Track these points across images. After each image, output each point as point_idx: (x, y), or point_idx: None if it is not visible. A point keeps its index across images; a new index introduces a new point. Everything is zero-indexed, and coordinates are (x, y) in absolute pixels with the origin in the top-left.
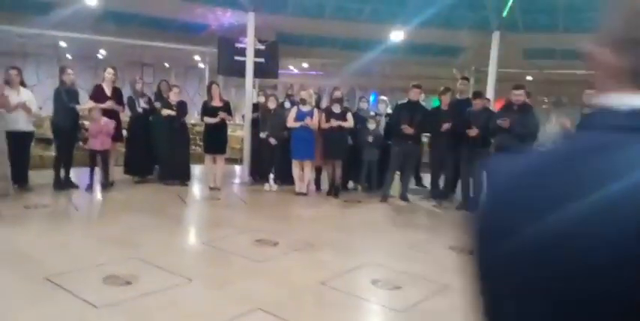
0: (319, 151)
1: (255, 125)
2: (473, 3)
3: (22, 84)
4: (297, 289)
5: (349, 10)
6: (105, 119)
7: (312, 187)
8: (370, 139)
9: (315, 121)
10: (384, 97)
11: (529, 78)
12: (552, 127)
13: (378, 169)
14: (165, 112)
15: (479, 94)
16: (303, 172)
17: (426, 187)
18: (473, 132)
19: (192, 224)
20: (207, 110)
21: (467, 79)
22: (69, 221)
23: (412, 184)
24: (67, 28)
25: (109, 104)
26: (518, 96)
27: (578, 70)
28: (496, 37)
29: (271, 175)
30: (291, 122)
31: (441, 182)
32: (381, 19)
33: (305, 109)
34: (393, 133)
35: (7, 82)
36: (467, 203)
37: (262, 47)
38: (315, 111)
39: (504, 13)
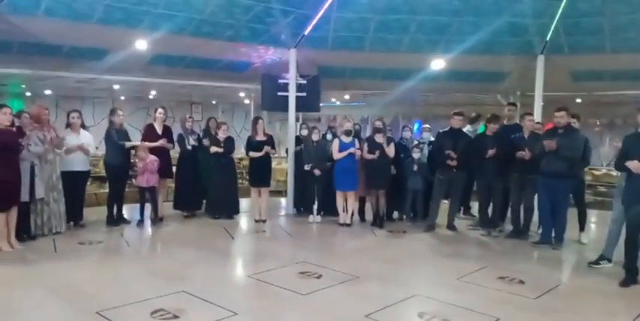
0: (362, 181)
1: (299, 158)
2: (515, 28)
3: (83, 126)
4: None
5: (389, 41)
6: (151, 157)
7: (356, 217)
8: (415, 167)
9: (358, 151)
10: (427, 126)
11: (578, 100)
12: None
13: (424, 198)
14: (213, 149)
15: (529, 113)
16: (346, 203)
17: (474, 216)
18: (526, 155)
19: (238, 257)
20: (252, 144)
21: (514, 104)
22: (120, 256)
23: (460, 213)
24: (120, 72)
25: (160, 142)
26: (560, 118)
27: (628, 90)
28: (541, 60)
29: (315, 207)
30: (336, 154)
31: (490, 210)
32: (420, 48)
33: (346, 140)
34: (437, 161)
35: (69, 125)
36: (518, 232)
37: (304, 82)
38: (356, 141)
39: (548, 37)
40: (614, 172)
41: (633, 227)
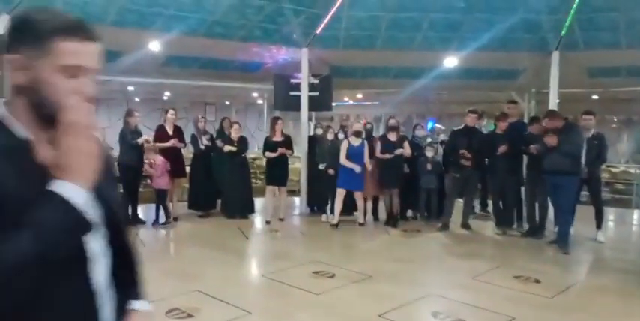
0: (375, 180)
1: (312, 157)
2: (529, 25)
3: None
4: None
5: (401, 40)
6: (159, 158)
7: (370, 217)
8: (429, 166)
9: (365, 158)
10: (440, 126)
11: (595, 97)
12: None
13: (438, 197)
14: (227, 148)
15: (536, 119)
16: (355, 204)
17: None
18: (534, 149)
19: (251, 257)
20: (269, 145)
21: (515, 102)
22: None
23: (478, 210)
24: (134, 73)
25: (171, 142)
26: (588, 120)
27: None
28: (555, 57)
29: (329, 206)
30: (343, 159)
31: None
32: (433, 46)
33: (356, 143)
34: (451, 160)
35: None
36: (533, 230)
37: (316, 81)
38: (366, 143)
39: (563, 33)
40: (633, 170)
41: None
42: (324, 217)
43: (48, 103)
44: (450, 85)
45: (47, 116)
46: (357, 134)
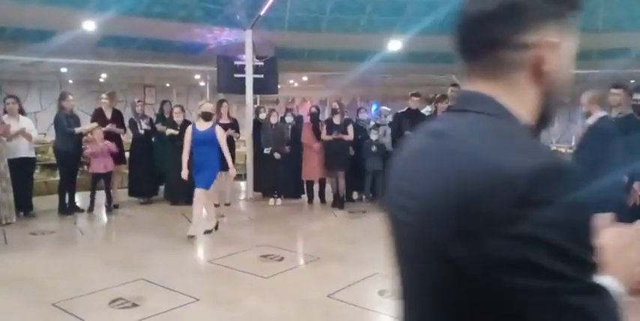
0: (322, 162)
1: (257, 141)
2: None
3: (22, 112)
4: (304, 304)
5: (345, 22)
6: (105, 141)
7: (317, 199)
8: (373, 148)
9: (222, 145)
10: (385, 108)
11: None
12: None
13: (383, 178)
14: (169, 131)
15: (443, 98)
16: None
17: None
18: None
19: (198, 243)
20: None
21: (456, 85)
22: (75, 246)
23: None
24: (68, 55)
25: (109, 127)
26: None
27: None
28: None
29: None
30: (185, 153)
31: None
32: (377, 29)
33: (203, 127)
34: (396, 141)
35: (6, 112)
36: None
37: (261, 63)
38: (217, 129)
39: None
40: (563, 149)
41: None
42: (271, 201)
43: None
44: (393, 68)
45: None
46: (206, 117)
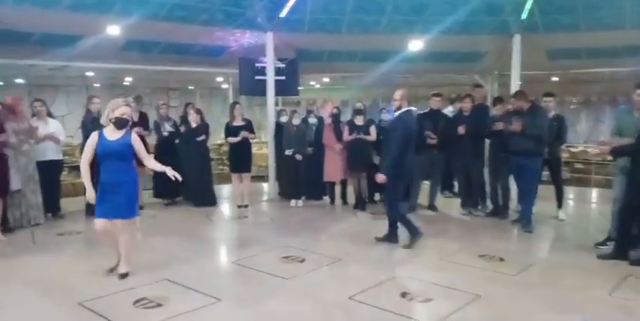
0: (344, 164)
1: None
2: (491, 8)
3: (50, 115)
4: (325, 305)
5: (366, 23)
6: None
7: (339, 200)
8: None
9: (142, 156)
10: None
11: (555, 79)
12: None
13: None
14: (183, 129)
15: (499, 100)
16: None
17: (456, 193)
18: (500, 125)
19: (220, 244)
20: (230, 130)
21: (480, 86)
22: (101, 246)
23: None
24: (93, 59)
25: (135, 130)
26: (549, 102)
27: (604, 68)
28: (517, 40)
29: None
30: (84, 167)
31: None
32: (398, 29)
33: (113, 136)
34: (417, 142)
35: (34, 115)
36: (497, 210)
37: (282, 65)
38: (133, 138)
39: (524, 16)
40: (591, 149)
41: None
42: (292, 202)
43: None
44: (415, 68)
45: None
46: (120, 124)
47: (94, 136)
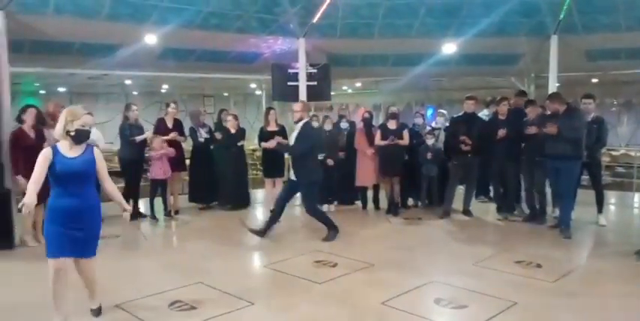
0: (376, 168)
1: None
2: (527, 9)
3: None
4: (358, 310)
5: (398, 27)
6: (165, 146)
7: (371, 205)
8: (429, 155)
9: (102, 177)
10: (442, 111)
11: (594, 80)
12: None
13: (439, 184)
14: (218, 135)
15: (531, 102)
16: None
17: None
18: (532, 129)
19: (253, 248)
20: (264, 135)
21: (524, 93)
22: (137, 250)
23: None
24: (131, 67)
25: (172, 136)
26: (588, 104)
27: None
28: (554, 41)
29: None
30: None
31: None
32: (431, 32)
33: (72, 153)
34: (451, 147)
35: None
36: (534, 215)
37: (314, 71)
38: (95, 154)
39: (561, 16)
40: (633, 152)
41: None
42: (325, 207)
43: None
44: (448, 71)
45: None
46: (81, 137)
47: (46, 153)
